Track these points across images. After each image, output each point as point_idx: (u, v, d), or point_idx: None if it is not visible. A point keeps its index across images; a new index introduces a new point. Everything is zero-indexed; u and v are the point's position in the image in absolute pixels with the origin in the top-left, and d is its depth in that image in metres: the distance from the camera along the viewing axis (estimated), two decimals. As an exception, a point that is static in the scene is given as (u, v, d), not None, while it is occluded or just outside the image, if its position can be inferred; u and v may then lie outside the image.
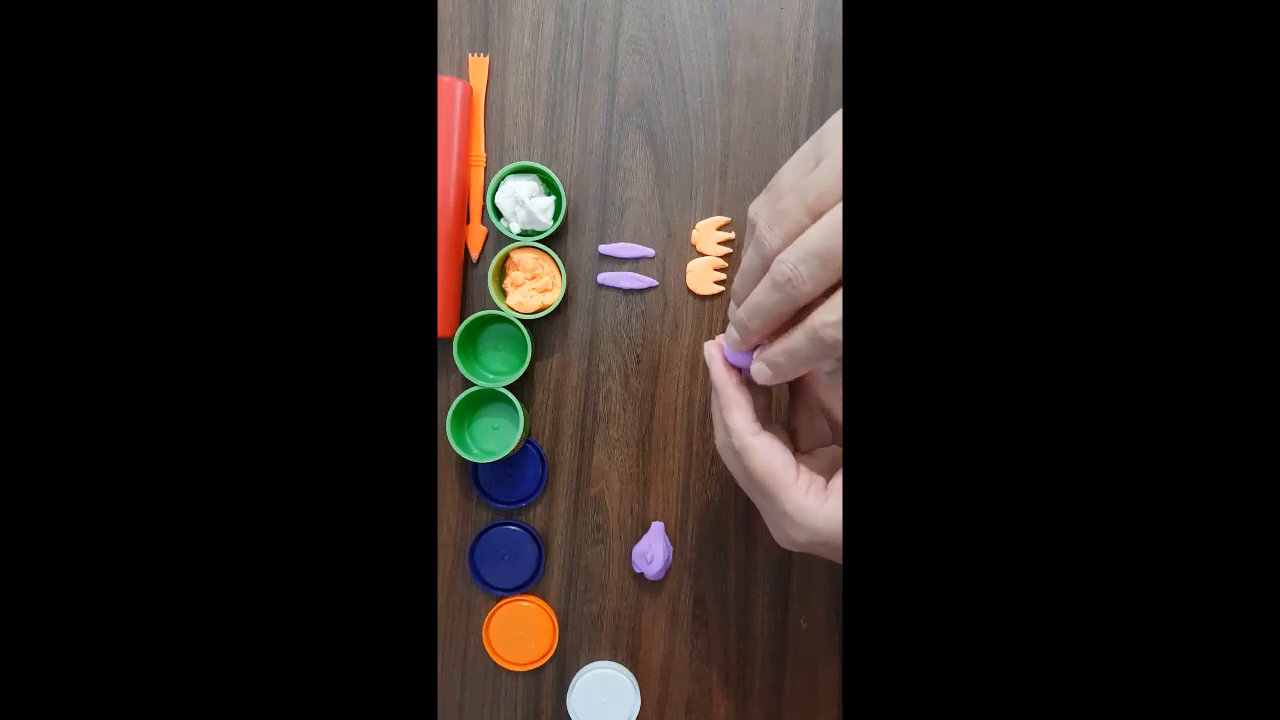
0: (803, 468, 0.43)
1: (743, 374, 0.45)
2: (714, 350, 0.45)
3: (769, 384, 0.42)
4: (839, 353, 0.37)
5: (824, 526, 0.41)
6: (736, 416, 0.43)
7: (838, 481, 0.41)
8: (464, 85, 0.57)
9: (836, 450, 0.47)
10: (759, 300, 0.39)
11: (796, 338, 0.38)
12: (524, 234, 0.55)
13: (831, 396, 0.44)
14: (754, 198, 0.46)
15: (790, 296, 0.37)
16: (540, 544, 0.59)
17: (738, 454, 0.43)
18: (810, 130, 0.57)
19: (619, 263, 0.58)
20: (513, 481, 0.59)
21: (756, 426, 0.43)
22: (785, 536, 0.43)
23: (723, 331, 0.58)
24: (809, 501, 0.41)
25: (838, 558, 0.42)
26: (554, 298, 0.56)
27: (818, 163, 0.38)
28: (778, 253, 0.38)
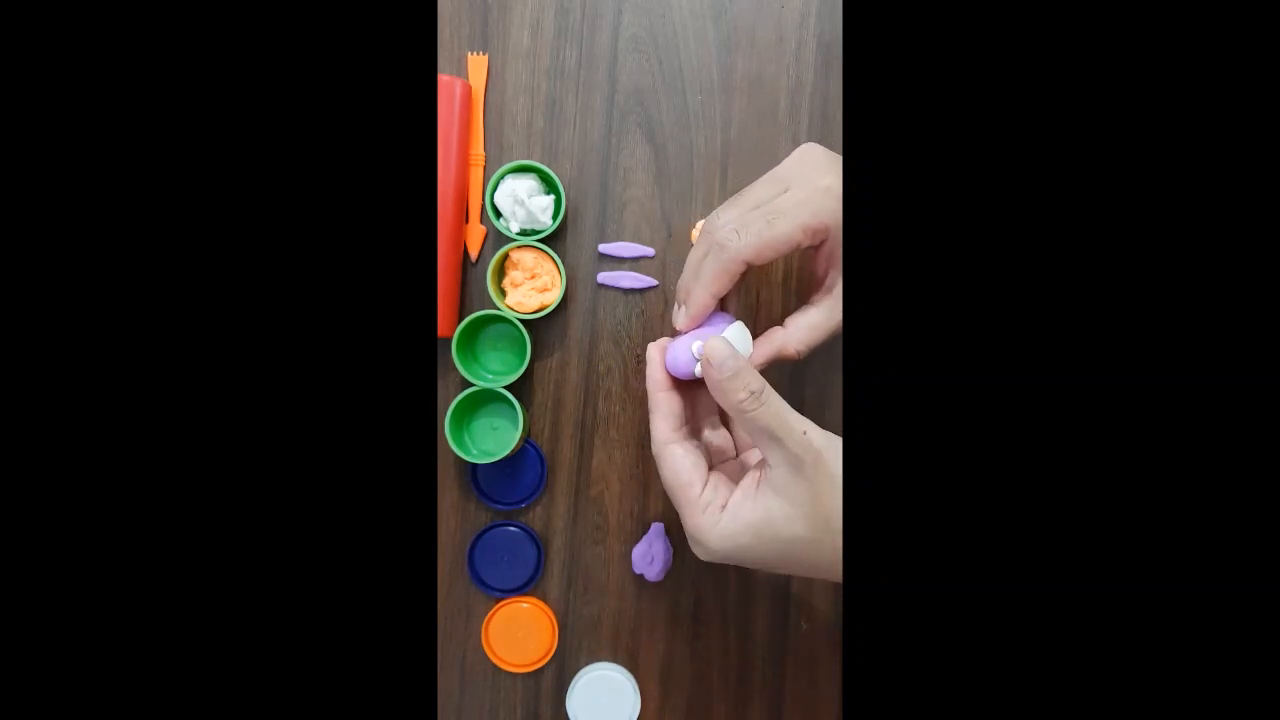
0: (710, 484, 0.43)
1: (675, 382, 0.45)
2: (654, 353, 0.46)
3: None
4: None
5: (713, 544, 0.42)
6: (658, 423, 0.44)
7: (736, 499, 0.42)
8: (463, 84, 0.56)
9: (740, 461, 0.48)
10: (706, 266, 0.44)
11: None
12: (523, 233, 0.55)
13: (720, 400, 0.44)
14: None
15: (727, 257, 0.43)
16: (540, 545, 0.58)
17: (655, 460, 0.44)
18: (811, 129, 0.57)
19: (619, 262, 0.58)
20: (512, 482, 0.58)
21: (675, 435, 0.44)
22: (692, 549, 0.44)
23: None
24: (704, 521, 0.42)
25: (733, 564, 0.43)
26: (553, 297, 0.56)
27: (785, 190, 0.44)
28: (740, 254, 0.42)
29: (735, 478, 0.45)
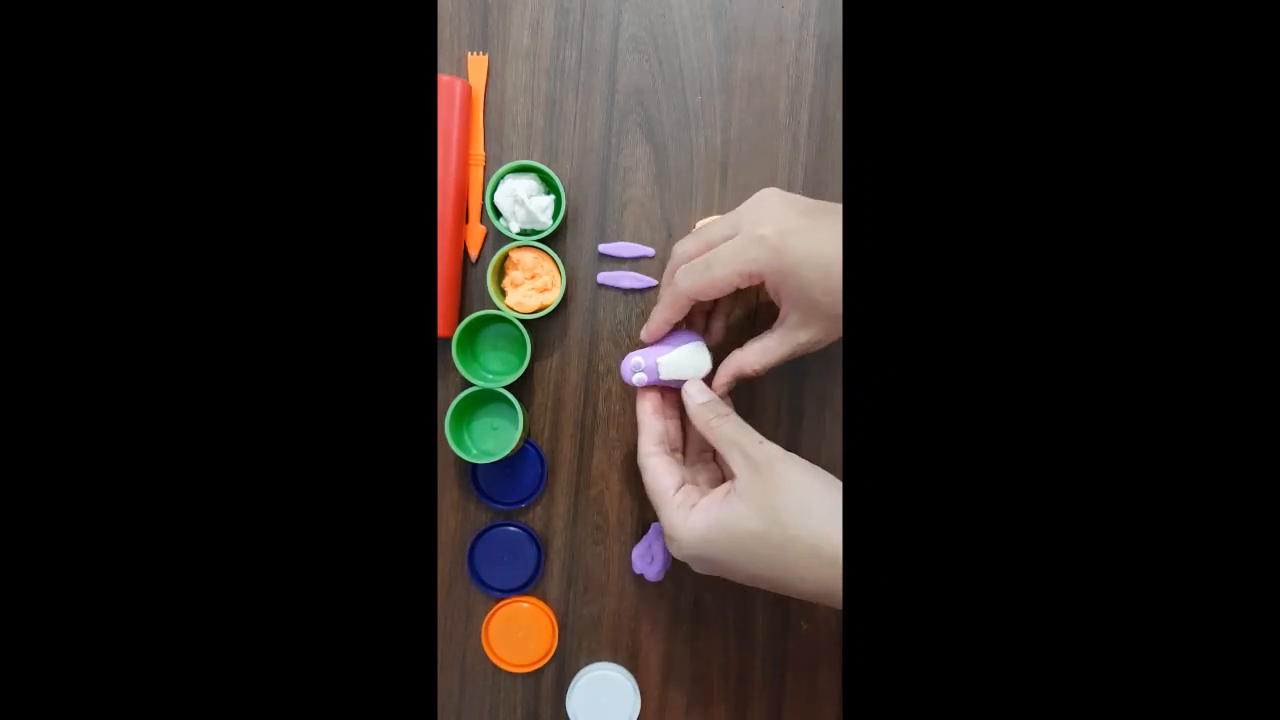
0: (685, 490, 0.49)
1: (670, 413, 0.53)
2: (643, 395, 0.53)
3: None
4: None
5: (683, 537, 0.47)
6: (641, 440, 0.52)
7: (705, 501, 0.48)
8: (463, 84, 0.56)
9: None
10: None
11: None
12: (523, 233, 0.55)
13: (702, 426, 0.50)
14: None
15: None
16: (540, 545, 0.58)
17: (640, 471, 0.51)
18: (811, 129, 0.57)
19: (619, 262, 0.58)
20: (512, 482, 0.58)
21: (656, 449, 0.51)
22: (669, 547, 0.50)
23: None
24: (676, 518, 0.48)
25: (706, 570, 0.49)
26: (553, 297, 0.56)
27: (734, 234, 0.48)
28: (684, 293, 0.49)
29: None
